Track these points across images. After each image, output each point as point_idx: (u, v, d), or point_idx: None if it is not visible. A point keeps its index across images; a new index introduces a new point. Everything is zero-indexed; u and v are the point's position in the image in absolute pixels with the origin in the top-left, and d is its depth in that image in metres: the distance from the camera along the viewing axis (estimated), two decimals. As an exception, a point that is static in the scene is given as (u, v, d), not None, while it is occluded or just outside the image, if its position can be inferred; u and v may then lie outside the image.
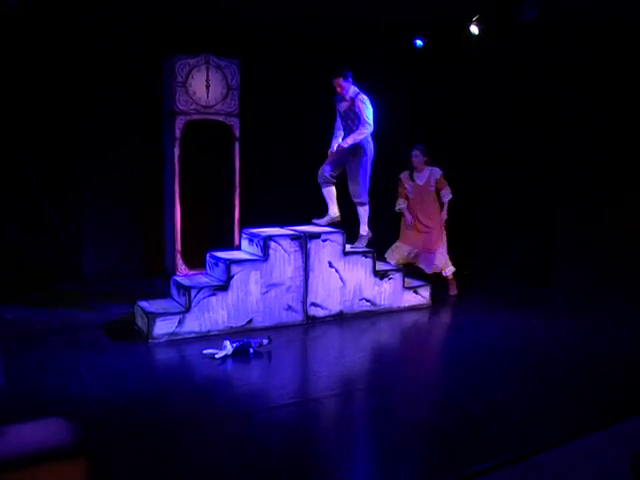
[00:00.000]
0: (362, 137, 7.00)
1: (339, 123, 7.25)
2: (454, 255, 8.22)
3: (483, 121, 9.34)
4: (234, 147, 8.41)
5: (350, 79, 7.00)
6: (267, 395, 5.07)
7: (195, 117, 8.12)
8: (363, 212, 7.38)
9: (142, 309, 6.43)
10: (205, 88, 8.14)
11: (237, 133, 8.41)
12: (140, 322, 6.49)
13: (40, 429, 2.93)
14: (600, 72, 7.94)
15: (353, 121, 7.04)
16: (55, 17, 7.80)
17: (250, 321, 6.64)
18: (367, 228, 7.43)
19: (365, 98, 6.99)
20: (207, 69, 8.13)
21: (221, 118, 8.31)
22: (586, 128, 8.16)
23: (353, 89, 7.03)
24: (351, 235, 7.34)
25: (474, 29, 8.44)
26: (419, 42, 9.32)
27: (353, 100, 6.98)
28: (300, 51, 9.16)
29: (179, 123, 8.02)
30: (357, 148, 7.08)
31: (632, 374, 5.52)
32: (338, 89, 6.97)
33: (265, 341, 6.00)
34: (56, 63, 8.01)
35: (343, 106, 7.10)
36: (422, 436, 4.39)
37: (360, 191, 7.24)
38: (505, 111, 8.99)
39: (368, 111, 6.98)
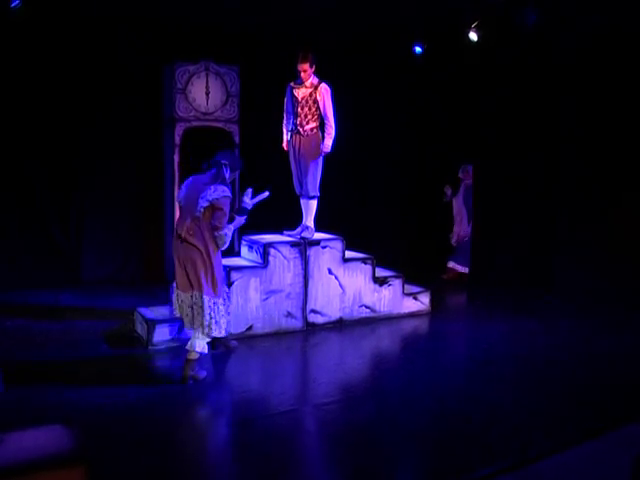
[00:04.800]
0: (333, 137, 6.91)
1: (290, 109, 7.04)
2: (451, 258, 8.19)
3: (482, 123, 9.34)
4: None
5: (314, 66, 6.85)
6: (267, 401, 5.06)
7: (195, 124, 8.14)
8: (312, 206, 7.13)
9: (142, 316, 6.42)
10: (205, 95, 8.16)
11: (237, 139, 8.43)
12: (140, 329, 6.48)
13: (40, 436, 2.93)
14: (599, 74, 7.97)
15: (310, 109, 6.90)
16: (55, 24, 7.83)
17: (250, 327, 6.63)
18: (312, 222, 7.20)
19: (327, 88, 6.88)
20: (207, 76, 8.16)
21: (221, 125, 8.34)
22: (585, 130, 8.17)
23: (315, 77, 6.90)
24: (350, 240, 7.33)
25: (473, 36, 8.47)
26: (418, 49, 9.35)
27: (315, 88, 6.86)
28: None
29: (179, 130, 8.04)
30: (311, 142, 6.97)
31: (633, 378, 5.51)
32: (303, 74, 6.81)
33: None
34: (56, 70, 8.03)
35: (301, 92, 6.93)
36: (422, 442, 4.38)
37: (312, 185, 7.04)
38: (504, 113, 9.00)
39: (331, 107, 6.87)
